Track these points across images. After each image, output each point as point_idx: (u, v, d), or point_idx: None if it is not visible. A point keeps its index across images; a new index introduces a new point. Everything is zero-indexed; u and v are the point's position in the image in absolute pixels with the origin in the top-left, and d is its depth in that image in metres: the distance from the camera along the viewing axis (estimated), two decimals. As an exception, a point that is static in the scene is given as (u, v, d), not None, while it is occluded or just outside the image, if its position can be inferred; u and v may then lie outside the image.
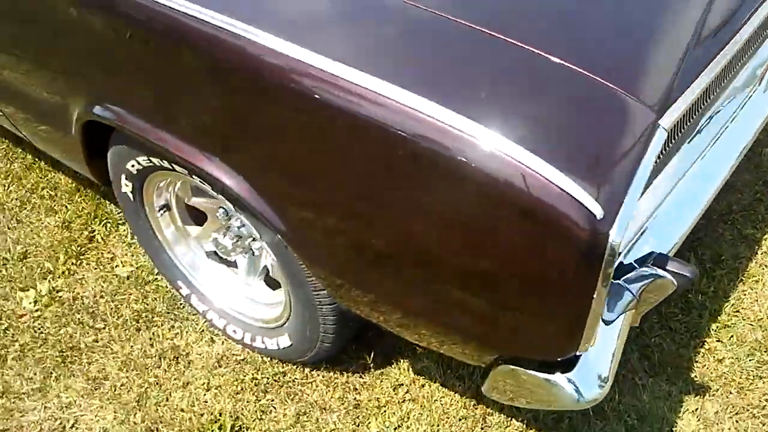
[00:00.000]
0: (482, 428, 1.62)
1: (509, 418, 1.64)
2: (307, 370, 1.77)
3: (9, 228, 2.23)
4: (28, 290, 2.06)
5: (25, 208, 2.30)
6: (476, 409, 1.65)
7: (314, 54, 1.06)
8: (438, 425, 1.63)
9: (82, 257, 2.13)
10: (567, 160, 0.95)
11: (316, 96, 1.05)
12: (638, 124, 1.01)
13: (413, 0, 1.15)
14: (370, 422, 1.66)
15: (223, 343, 1.86)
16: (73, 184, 2.34)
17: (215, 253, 1.77)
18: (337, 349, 1.63)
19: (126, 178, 1.64)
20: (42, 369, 1.85)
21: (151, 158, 1.50)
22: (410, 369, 1.74)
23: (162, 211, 1.73)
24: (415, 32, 1.13)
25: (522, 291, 1.05)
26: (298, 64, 1.06)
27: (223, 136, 1.27)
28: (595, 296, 0.99)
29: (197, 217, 1.78)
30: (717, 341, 1.82)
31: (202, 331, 1.89)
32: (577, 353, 1.10)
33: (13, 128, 2.03)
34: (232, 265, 1.80)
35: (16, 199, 2.34)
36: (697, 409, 1.67)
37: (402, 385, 1.71)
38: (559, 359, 1.13)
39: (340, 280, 1.32)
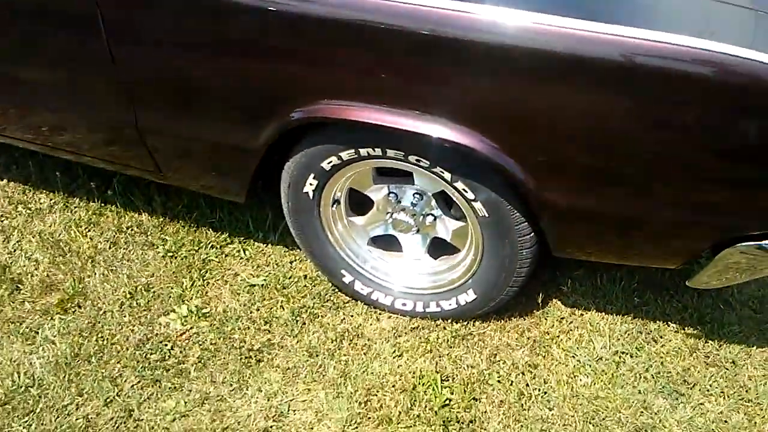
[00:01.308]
0: (644, 335, 2.00)
1: (665, 323, 2.04)
2: (476, 324, 2.03)
3: (114, 268, 2.25)
4: (168, 314, 2.11)
5: (120, 249, 2.33)
6: (634, 321, 2.04)
7: None
8: (609, 339, 1.99)
9: (206, 278, 2.22)
10: None
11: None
12: None
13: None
14: (552, 349, 1.97)
15: (389, 318, 2.07)
16: (158, 219, 2.40)
17: (375, 239, 2.00)
18: (518, 292, 1.93)
19: (314, 177, 1.80)
20: (231, 372, 1.93)
21: (360, 149, 1.68)
22: (563, 305, 2.09)
23: (334, 206, 1.94)
24: None
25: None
26: None
27: (475, 107, 1.50)
28: None
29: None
30: None
31: (366, 312, 2.09)
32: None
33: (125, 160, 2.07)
34: (393, 248, 2.04)
35: (106, 242, 2.36)
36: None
37: (563, 318, 2.05)
38: None
39: (578, 220, 1.62)
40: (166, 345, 2.00)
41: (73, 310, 2.12)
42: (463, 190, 1.67)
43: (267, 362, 1.94)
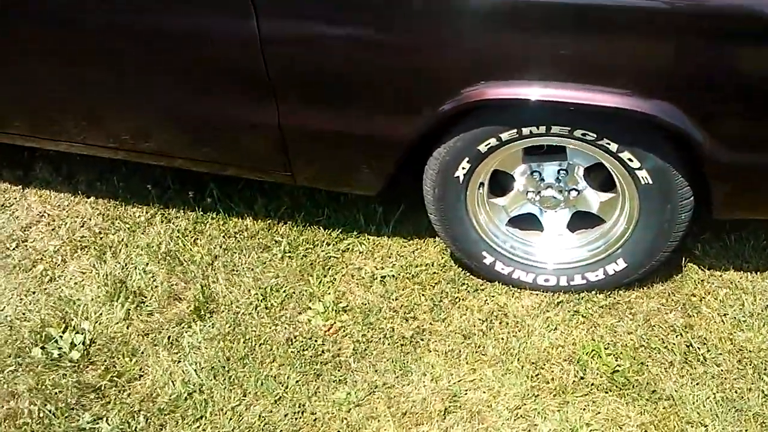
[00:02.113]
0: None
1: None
2: (620, 293, 2.03)
3: (237, 273, 2.22)
4: (306, 311, 2.09)
5: (236, 253, 2.30)
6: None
7: None
8: (754, 296, 2.01)
9: (331, 275, 2.20)
10: None
11: None
12: None
13: None
14: (702, 309, 1.98)
15: (530, 295, 2.07)
16: (265, 222, 2.38)
17: (513, 219, 2.01)
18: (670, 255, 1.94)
19: (467, 161, 1.80)
20: (391, 360, 1.91)
21: (522, 128, 1.69)
22: (700, 268, 2.06)
23: (480, 188, 1.95)
24: None
25: None
26: None
27: (657, 76, 1.53)
28: None
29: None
30: None
31: (506, 292, 2.09)
32: None
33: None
34: (532, 226, 2.05)
35: (219, 248, 2.33)
36: None
37: (703, 280, 2.01)
38: None
39: (750, 177, 1.66)
40: (315, 341, 1.97)
41: (208, 316, 2.08)
42: (629, 159, 1.70)
43: (423, 347, 1.93)
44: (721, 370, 1.81)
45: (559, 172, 1.91)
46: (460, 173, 1.82)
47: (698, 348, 1.86)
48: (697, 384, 1.78)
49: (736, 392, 1.76)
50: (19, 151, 2.79)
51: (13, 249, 2.41)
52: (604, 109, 1.57)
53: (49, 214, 2.55)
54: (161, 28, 1.80)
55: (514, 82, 1.59)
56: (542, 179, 1.92)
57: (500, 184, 1.99)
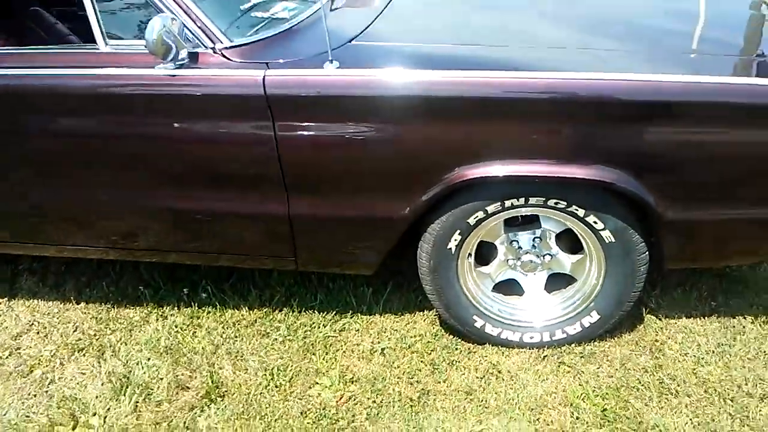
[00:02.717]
0: (730, 328, 2.37)
1: (743, 316, 2.39)
2: (595, 343, 2.28)
3: (241, 359, 2.32)
4: (313, 386, 2.22)
5: (237, 341, 2.43)
6: (719, 320, 2.38)
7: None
8: (707, 337, 2.33)
9: (332, 352, 2.36)
10: None
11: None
12: None
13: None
14: (666, 351, 2.26)
15: (518, 353, 2.30)
16: (261, 311, 2.52)
17: (498, 285, 2.29)
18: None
19: (459, 233, 2.04)
20: (403, 419, 2.04)
21: (505, 201, 1.96)
22: (657, 318, 2.39)
23: (468, 258, 2.20)
24: None
25: None
26: None
27: (619, 152, 1.81)
28: None
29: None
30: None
31: (496, 351, 2.30)
32: None
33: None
34: (513, 291, 2.32)
35: (221, 338, 2.45)
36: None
37: (662, 327, 2.35)
38: None
39: (695, 231, 1.97)
40: (328, 411, 2.09)
41: (219, 399, 2.17)
42: (594, 222, 2.00)
43: (431, 406, 2.09)
44: (692, 400, 2.07)
45: (534, 239, 2.20)
46: (452, 245, 2.08)
47: (669, 383, 2.12)
48: (675, 413, 2.02)
49: (708, 416, 2.01)
50: (2, 266, 2.85)
51: (6, 357, 2.43)
52: (573, 180, 1.89)
53: (39, 322, 2.59)
54: (174, 133, 1.99)
55: (504, 161, 1.88)
56: (520, 247, 2.21)
57: (482, 254, 2.25)
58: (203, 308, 2.56)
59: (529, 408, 2.05)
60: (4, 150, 2.14)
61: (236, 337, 2.42)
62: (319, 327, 2.44)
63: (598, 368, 2.19)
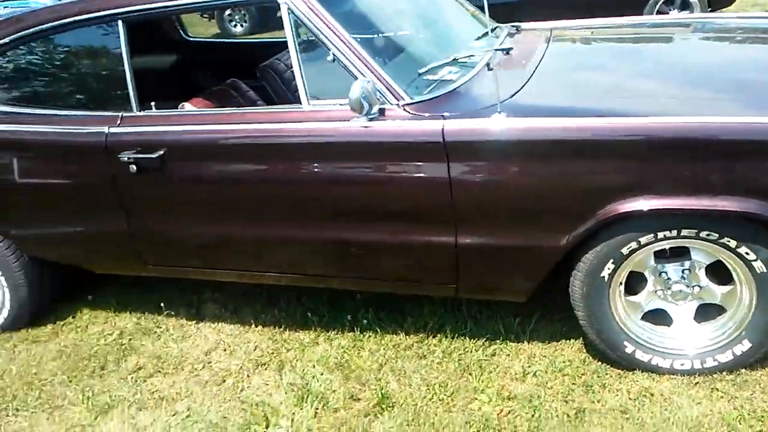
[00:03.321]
0: None
1: None
2: (745, 371, 2.36)
3: (404, 375, 2.56)
4: (473, 401, 2.42)
5: (397, 361, 2.68)
6: None
7: None
8: None
9: (487, 373, 2.57)
10: None
11: None
12: None
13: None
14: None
15: (668, 379, 2.40)
16: (417, 335, 2.77)
17: (647, 312, 2.42)
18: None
19: (612, 262, 2.23)
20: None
21: (657, 233, 2.13)
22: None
23: (619, 287, 2.36)
24: None
25: None
26: None
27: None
28: None
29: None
30: None
31: (646, 377, 2.41)
32: None
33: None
34: (661, 320, 2.44)
35: (383, 358, 2.72)
36: None
37: None
38: None
39: None
40: (491, 421, 2.29)
41: (389, 409, 2.42)
42: (745, 253, 2.12)
43: (588, 422, 2.23)
44: None
45: (682, 271, 2.35)
46: (605, 273, 2.27)
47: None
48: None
49: None
50: (187, 294, 3.31)
51: (201, 369, 2.82)
52: (724, 213, 2.04)
53: (224, 341, 2.99)
54: (361, 174, 2.34)
55: (659, 195, 2.07)
56: (669, 278, 2.36)
57: (631, 284, 2.42)
58: (364, 333, 2.85)
59: (686, 427, 2.15)
60: (211, 192, 2.57)
61: (397, 357, 2.68)
62: (471, 351, 2.66)
63: (751, 394, 2.26)
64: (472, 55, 2.62)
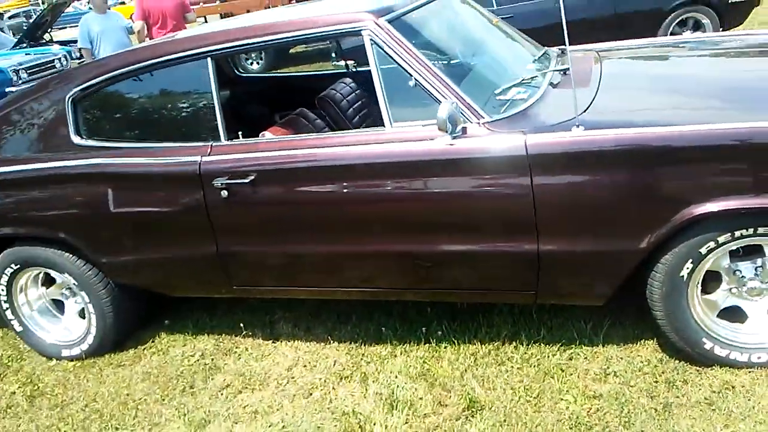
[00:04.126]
0: None
1: None
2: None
3: (487, 381, 2.67)
4: (559, 402, 2.52)
5: (478, 368, 2.80)
6: None
7: None
8: None
9: (568, 375, 2.67)
10: None
11: None
12: None
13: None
14: None
15: (746, 372, 2.50)
16: (492, 344, 2.87)
17: (722, 310, 2.53)
18: None
19: (691, 262, 2.32)
20: (654, 425, 2.31)
21: (735, 231, 2.25)
22: None
23: (697, 285, 2.45)
24: None
25: None
26: None
27: None
28: None
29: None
30: None
31: (724, 372, 2.52)
32: None
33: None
34: (735, 317, 2.54)
35: (463, 366, 2.83)
36: None
37: None
38: None
39: None
40: (582, 419, 2.40)
41: (479, 412, 2.52)
42: None
43: (677, 415, 2.32)
44: None
45: (756, 268, 2.47)
46: (684, 272, 2.39)
47: None
48: None
49: None
50: (261, 316, 3.44)
51: (286, 384, 2.94)
52: None
53: (303, 358, 3.10)
54: (446, 189, 2.48)
55: (738, 196, 2.20)
56: (743, 276, 2.48)
57: (705, 283, 2.53)
58: (441, 343, 2.97)
59: None
60: (297, 213, 2.71)
61: (477, 365, 2.79)
62: (548, 356, 2.77)
63: (831, 385, 2.36)
64: (536, 77, 2.79)
